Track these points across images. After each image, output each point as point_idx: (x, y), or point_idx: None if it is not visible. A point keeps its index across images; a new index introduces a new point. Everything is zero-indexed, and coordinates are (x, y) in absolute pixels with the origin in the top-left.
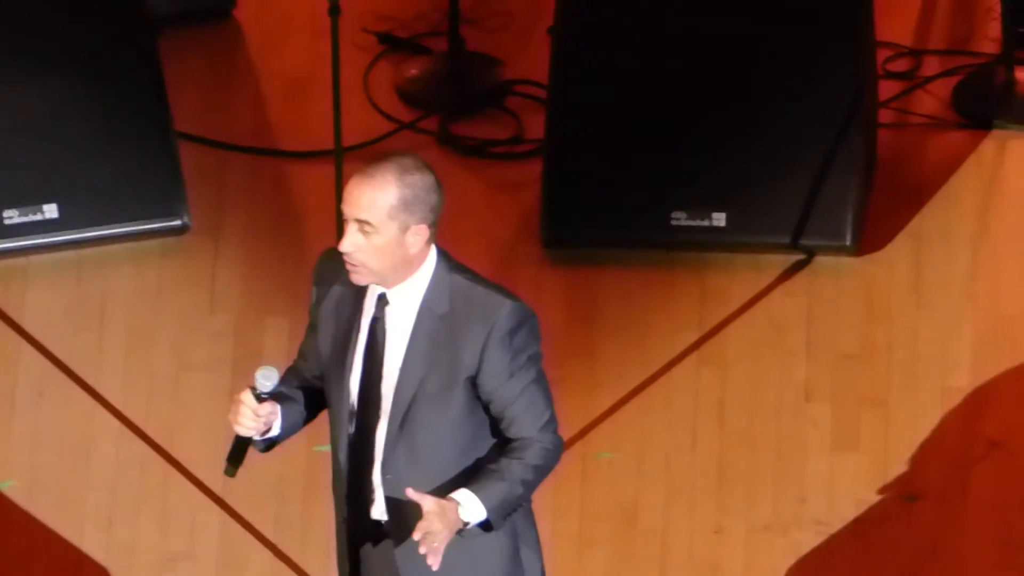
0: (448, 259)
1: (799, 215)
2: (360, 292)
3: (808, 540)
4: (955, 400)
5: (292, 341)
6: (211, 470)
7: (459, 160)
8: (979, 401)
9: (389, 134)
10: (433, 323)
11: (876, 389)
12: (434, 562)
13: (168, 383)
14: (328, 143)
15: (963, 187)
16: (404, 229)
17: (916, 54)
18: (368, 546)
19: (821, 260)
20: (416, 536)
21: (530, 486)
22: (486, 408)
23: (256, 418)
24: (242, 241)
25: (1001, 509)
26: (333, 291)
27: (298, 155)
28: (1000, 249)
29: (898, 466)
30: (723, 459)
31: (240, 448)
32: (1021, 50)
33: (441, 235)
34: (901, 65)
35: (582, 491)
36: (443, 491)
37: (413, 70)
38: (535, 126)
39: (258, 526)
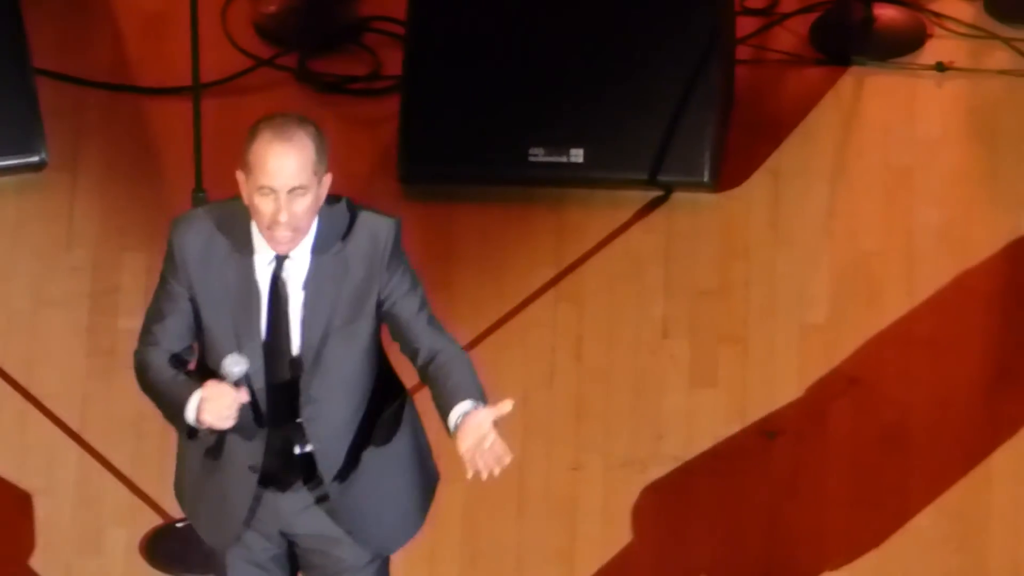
0: None
1: (657, 151)
2: (243, 259)
3: (666, 477)
4: (813, 336)
5: (149, 276)
6: (68, 405)
7: (317, 96)
8: (837, 337)
9: (247, 70)
10: (327, 262)
11: (734, 325)
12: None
13: (25, 318)
14: (186, 79)
15: (821, 123)
16: (320, 181)
17: None
18: (275, 492)
19: (679, 196)
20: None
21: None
22: (390, 326)
23: (239, 408)
24: (100, 177)
25: (858, 445)
26: (209, 264)
27: (156, 91)
28: (858, 185)
29: (756, 402)
30: (580, 395)
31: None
32: None
33: None
34: (759, 1)
35: (438, 427)
36: (359, 414)
37: (271, 6)
38: (393, 62)
39: (115, 462)
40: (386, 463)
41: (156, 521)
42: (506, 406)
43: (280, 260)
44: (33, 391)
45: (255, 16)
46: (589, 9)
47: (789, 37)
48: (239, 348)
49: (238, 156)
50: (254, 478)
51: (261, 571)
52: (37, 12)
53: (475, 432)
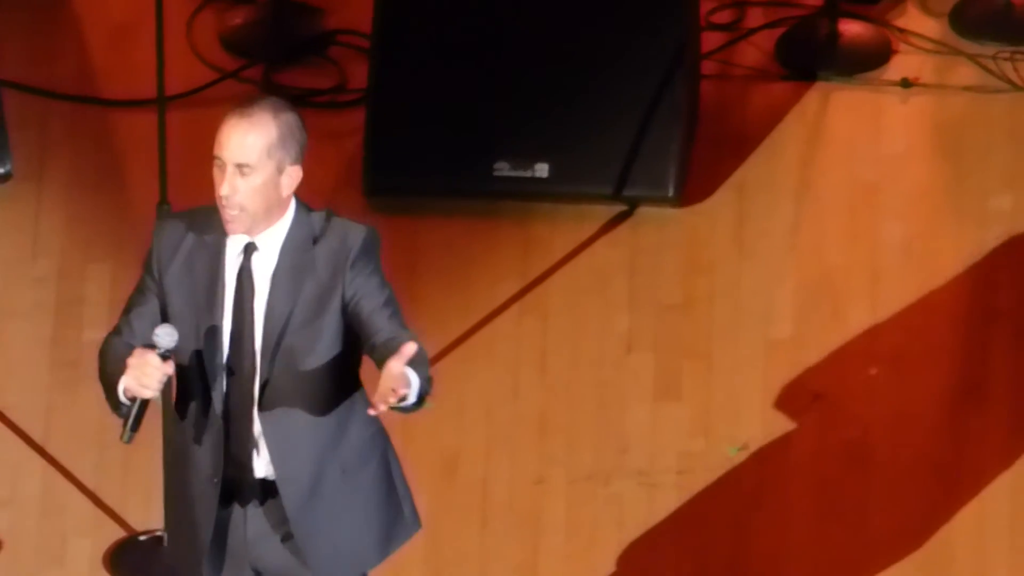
0: (304, 204)
1: (622, 166)
2: (215, 252)
3: (630, 491)
4: (778, 351)
5: (114, 287)
6: (31, 417)
7: None
8: (801, 353)
9: (212, 83)
10: (296, 257)
11: (698, 340)
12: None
13: None
14: (151, 92)
15: (786, 139)
16: (280, 169)
17: (739, 5)
18: (239, 507)
19: (644, 211)
20: (383, 395)
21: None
22: (353, 327)
23: (163, 378)
24: (65, 188)
25: (823, 460)
26: (179, 260)
27: (121, 104)
28: (822, 200)
29: (721, 417)
30: (545, 409)
31: (141, 412)
32: (844, 2)
33: None
34: (724, 17)
35: (404, 439)
36: (324, 420)
37: (236, 19)
38: (358, 76)
39: (78, 474)
40: (350, 492)
41: (120, 533)
42: (410, 348)
43: (248, 251)
44: None
45: (221, 28)
46: (555, 24)
47: (755, 52)
48: (200, 336)
49: (203, 168)
50: (216, 490)
51: None
52: (2, 24)
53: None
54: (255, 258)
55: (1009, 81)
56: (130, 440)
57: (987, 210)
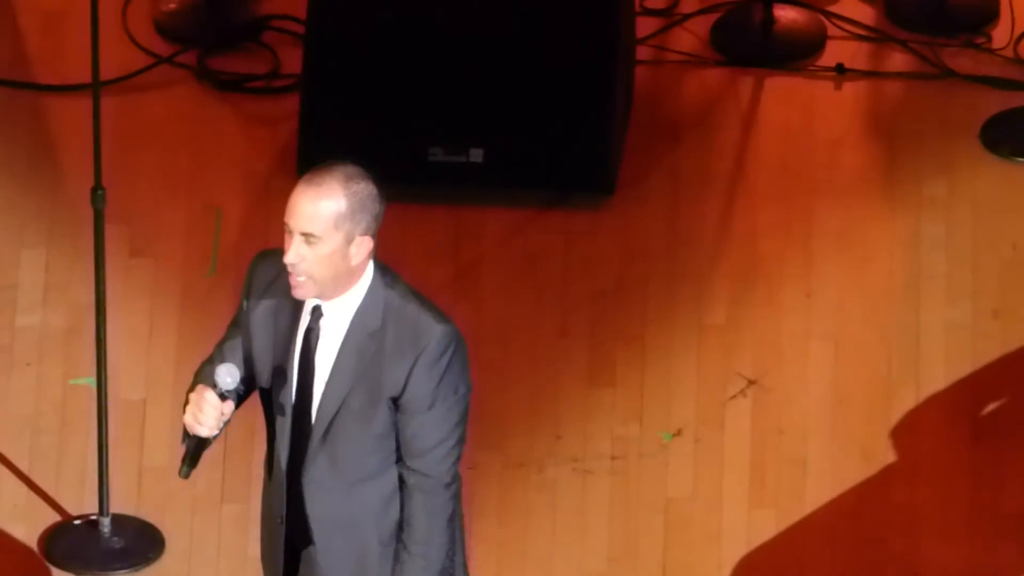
0: (385, 273)
1: (556, 152)
2: (298, 303)
3: (564, 477)
4: (711, 337)
5: (48, 273)
6: None
7: (217, 94)
8: (736, 338)
9: (147, 68)
10: (363, 339)
11: (632, 325)
12: None
13: None
14: (85, 77)
15: (721, 125)
16: (349, 240)
17: None
18: (309, 547)
19: (578, 196)
20: None
21: (438, 544)
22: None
23: (221, 418)
24: None
25: (755, 446)
26: (267, 299)
27: (54, 88)
28: (756, 187)
29: (654, 403)
30: (478, 395)
31: (200, 449)
32: None
33: (199, 171)
34: (660, 2)
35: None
36: (360, 506)
37: (171, 4)
38: (293, 61)
39: (12, 458)
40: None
41: (54, 518)
42: None
43: (315, 314)
44: None
45: (155, 13)
46: (490, 9)
47: (690, 38)
48: (281, 387)
49: (137, 152)
50: (282, 530)
51: None
52: None
53: None
54: (323, 323)
55: (943, 67)
56: (187, 476)
57: (921, 196)
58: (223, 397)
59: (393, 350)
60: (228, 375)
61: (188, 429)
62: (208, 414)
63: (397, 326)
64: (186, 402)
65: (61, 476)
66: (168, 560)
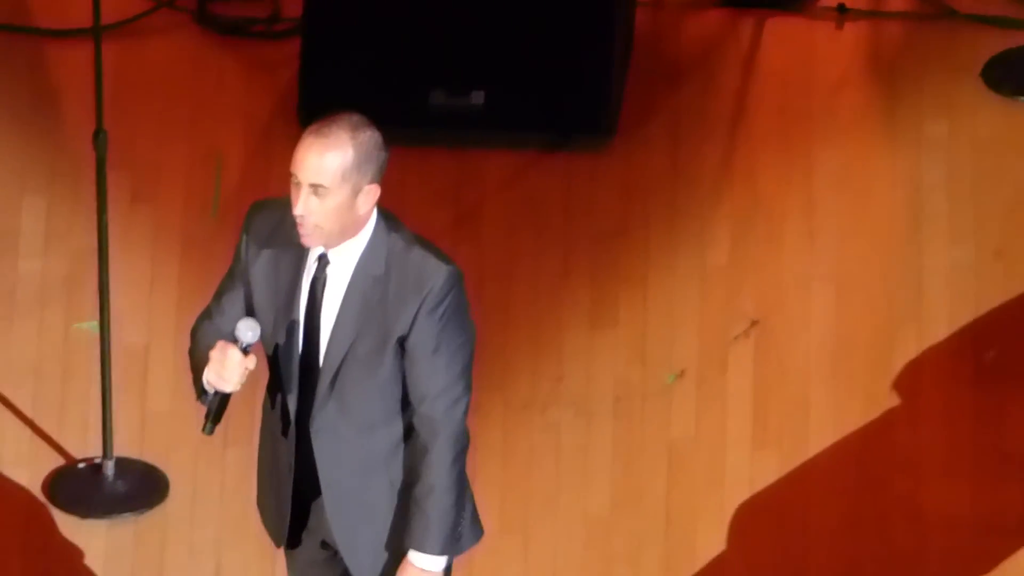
0: (388, 218)
1: (557, 94)
2: (299, 253)
3: (567, 419)
4: (714, 277)
5: (49, 218)
6: None
7: (217, 39)
8: (738, 278)
9: (147, 12)
10: (367, 285)
11: (634, 266)
12: None
13: None
14: (86, 21)
15: (721, 66)
16: (356, 190)
17: None
18: (317, 497)
19: (579, 139)
20: None
21: (456, 488)
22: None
23: (245, 373)
24: None
25: (758, 387)
26: (267, 250)
27: (56, 33)
28: (757, 128)
29: (657, 344)
30: (480, 337)
31: (223, 405)
32: None
33: (199, 116)
34: None
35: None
36: (374, 441)
37: None
38: (293, 5)
39: (16, 403)
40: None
41: (58, 462)
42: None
43: (322, 262)
44: None
45: None
46: None
47: None
48: (278, 332)
49: (138, 98)
50: (291, 477)
51: (316, 570)
52: None
53: None
54: (329, 270)
55: (945, 7)
56: (211, 432)
57: (922, 136)
58: (244, 352)
59: (397, 294)
60: (249, 330)
61: (213, 386)
62: (232, 371)
63: (401, 270)
64: (205, 360)
65: (64, 421)
66: (172, 504)
